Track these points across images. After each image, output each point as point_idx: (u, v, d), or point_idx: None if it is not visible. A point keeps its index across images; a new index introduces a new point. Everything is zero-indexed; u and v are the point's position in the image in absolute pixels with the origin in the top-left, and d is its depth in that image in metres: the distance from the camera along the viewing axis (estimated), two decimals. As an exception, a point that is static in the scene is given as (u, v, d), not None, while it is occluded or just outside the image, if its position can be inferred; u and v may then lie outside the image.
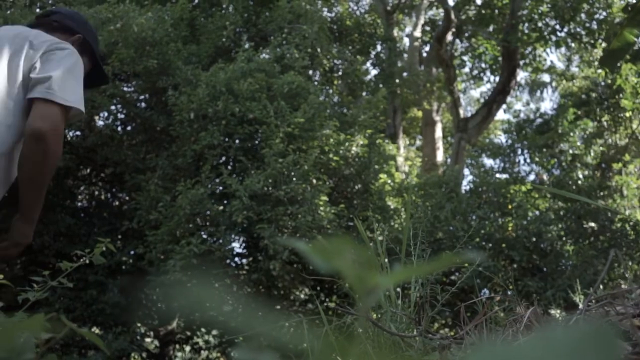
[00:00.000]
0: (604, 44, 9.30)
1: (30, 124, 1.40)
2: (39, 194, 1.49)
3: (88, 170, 8.27)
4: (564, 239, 7.09)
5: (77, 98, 1.47)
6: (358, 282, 0.25)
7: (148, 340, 7.06)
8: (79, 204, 8.26)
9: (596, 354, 0.19)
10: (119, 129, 8.02)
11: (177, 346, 7.49)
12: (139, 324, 7.06)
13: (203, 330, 7.41)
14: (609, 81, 9.51)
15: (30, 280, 2.20)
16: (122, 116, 7.96)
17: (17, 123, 1.44)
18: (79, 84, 1.50)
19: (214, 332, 7.19)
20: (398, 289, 1.73)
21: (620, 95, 9.33)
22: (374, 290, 0.25)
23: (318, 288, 6.55)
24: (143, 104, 7.96)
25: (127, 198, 7.70)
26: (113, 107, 7.71)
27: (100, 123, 8.03)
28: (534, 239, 6.71)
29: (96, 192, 8.42)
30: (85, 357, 6.26)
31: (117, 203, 8.28)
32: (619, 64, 7.64)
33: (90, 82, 1.72)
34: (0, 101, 1.41)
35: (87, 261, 2.37)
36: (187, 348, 7.51)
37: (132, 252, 7.05)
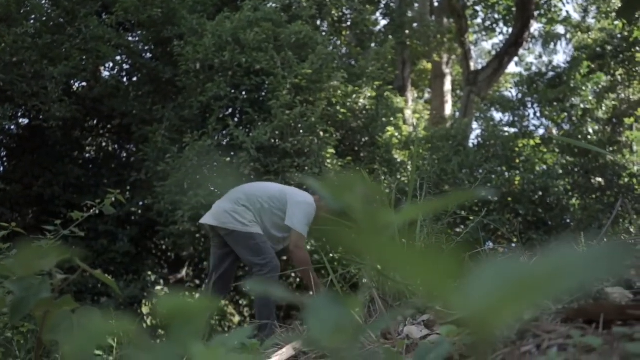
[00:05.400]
0: (622, -6, 8.94)
1: (289, 243, 3.12)
2: (309, 277, 3.00)
3: (95, 122, 8.25)
4: (570, 193, 7.09)
5: (304, 229, 3.05)
6: (368, 218, 0.25)
7: (158, 287, 7.26)
8: (87, 155, 8.30)
9: (608, 265, 0.19)
10: (125, 79, 7.94)
11: (187, 294, 7.70)
12: (149, 272, 7.23)
13: (212, 279, 7.58)
14: (626, 33, 9.22)
15: (42, 229, 2.25)
16: (128, 67, 7.87)
17: (277, 223, 3.12)
18: (308, 221, 3.07)
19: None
20: (403, 240, 1.75)
21: (637, 48, 9.07)
22: (385, 227, 0.26)
23: (324, 239, 6.64)
24: (148, 55, 7.85)
25: (134, 149, 7.72)
26: (118, 58, 7.61)
27: (106, 74, 7.96)
28: (540, 193, 6.71)
29: (104, 144, 8.44)
30: (98, 304, 6.45)
31: (124, 154, 8.31)
32: (637, 15, 7.38)
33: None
34: (274, 212, 3.10)
35: (97, 211, 2.40)
36: (197, 295, 7.72)
37: (141, 203, 7.13)
